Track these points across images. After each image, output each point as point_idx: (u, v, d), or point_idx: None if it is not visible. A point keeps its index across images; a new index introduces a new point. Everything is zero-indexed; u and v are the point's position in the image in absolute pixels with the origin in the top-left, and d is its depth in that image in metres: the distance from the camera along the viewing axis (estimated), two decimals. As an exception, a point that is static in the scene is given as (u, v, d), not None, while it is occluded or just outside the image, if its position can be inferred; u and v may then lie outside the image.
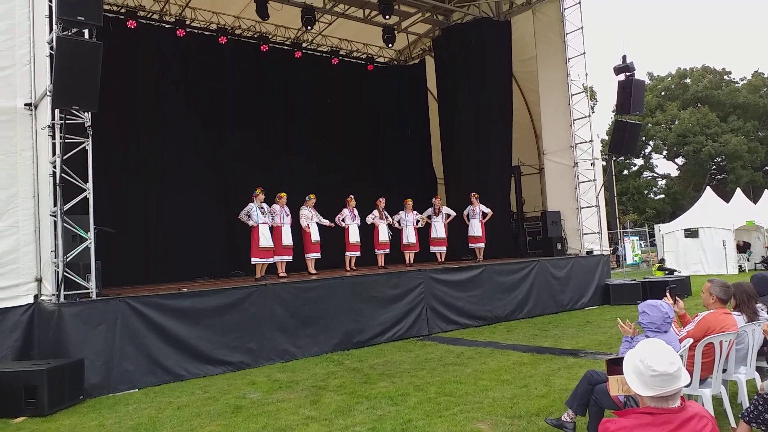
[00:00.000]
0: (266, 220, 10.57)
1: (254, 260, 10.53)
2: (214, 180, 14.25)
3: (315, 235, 11.47)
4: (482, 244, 13.65)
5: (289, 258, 11.10)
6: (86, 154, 7.75)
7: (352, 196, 12.45)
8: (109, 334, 7.48)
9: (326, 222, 11.70)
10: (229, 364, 8.35)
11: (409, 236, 12.98)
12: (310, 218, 11.43)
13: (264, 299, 8.91)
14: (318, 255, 11.57)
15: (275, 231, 10.86)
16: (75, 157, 7.65)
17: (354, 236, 12.22)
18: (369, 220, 12.52)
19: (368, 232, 12.77)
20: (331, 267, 12.72)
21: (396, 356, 8.80)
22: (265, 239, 10.50)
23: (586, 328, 10.65)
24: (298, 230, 11.46)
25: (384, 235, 12.60)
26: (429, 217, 13.42)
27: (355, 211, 12.34)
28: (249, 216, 10.44)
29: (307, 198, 11.59)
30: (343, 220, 12.15)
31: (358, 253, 12.28)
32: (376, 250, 12.65)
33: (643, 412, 2.31)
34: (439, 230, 13.41)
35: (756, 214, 22.89)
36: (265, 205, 10.67)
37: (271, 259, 10.68)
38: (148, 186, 12.97)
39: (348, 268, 12.13)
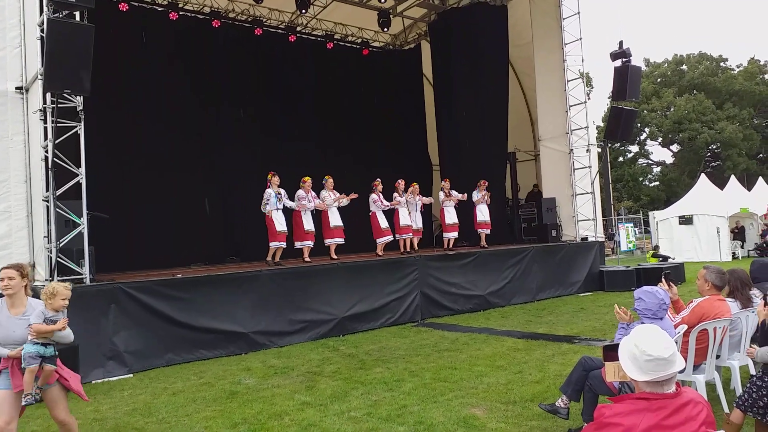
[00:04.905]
0: (280, 206, 10.29)
1: (272, 244, 10.27)
2: (208, 165, 14.17)
3: (334, 220, 11.08)
4: (489, 230, 13.43)
5: (311, 243, 10.74)
6: (78, 139, 7.68)
7: (379, 180, 11.99)
8: (103, 320, 7.46)
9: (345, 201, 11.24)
10: (224, 349, 8.35)
11: (416, 221, 12.52)
12: (332, 202, 11.06)
13: (259, 285, 8.90)
14: (341, 240, 11.14)
15: (295, 215, 10.61)
16: (67, 141, 7.59)
17: (383, 222, 11.80)
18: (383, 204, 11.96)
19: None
20: (358, 251, 12.52)
21: (391, 342, 8.82)
22: (279, 224, 10.24)
23: (581, 314, 10.69)
24: (317, 216, 11.15)
25: (406, 219, 12.11)
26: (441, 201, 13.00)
27: (381, 196, 11.86)
28: (267, 202, 10.19)
29: (324, 181, 11.19)
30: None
31: (390, 238, 11.84)
32: (398, 235, 12.09)
33: (638, 398, 2.31)
34: (452, 215, 12.98)
35: (750, 202, 22.97)
36: (282, 191, 10.40)
37: (283, 243, 10.37)
38: (142, 171, 12.87)
39: (380, 253, 11.70)
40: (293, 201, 10.60)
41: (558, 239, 14.40)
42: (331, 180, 11.22)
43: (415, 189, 12.56)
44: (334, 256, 10.91)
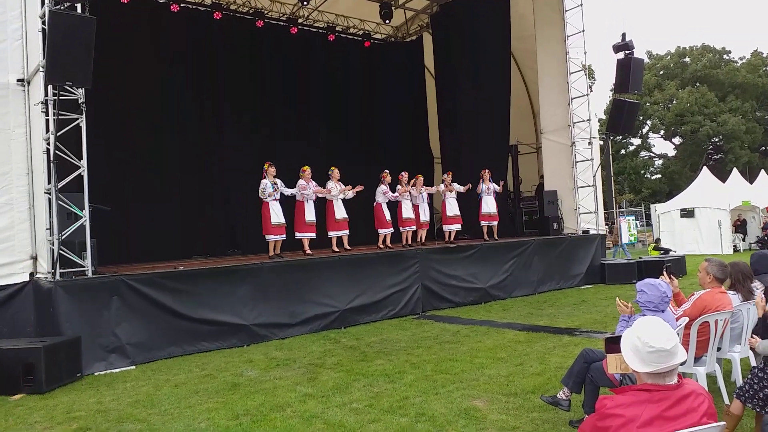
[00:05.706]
0: (277, 196, 10.03)
1: (268, 237, 10.04)
2: (209, 157, 14.16)
3: (340, 213, 10.94)
4: (496, 222, 13.30)
5: (312, 235, 10.63)
6: (80, 131, 7.67)
7: (387, 171, 11.87)
8: (105, 312, 7.48)
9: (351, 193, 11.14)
10: (226, 341, 8.38)
11: (425, 213, 12.40)
12: (338, 193, 10.90)
13: (260, 277, 8.92)
14: (346, 232, 11.03)
15: (298, 206, 10.51)
16: (69, 133, 7.58)
17: (388, 214, 11.69)
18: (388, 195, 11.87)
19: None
20: (359, 244, 12.37)
21: (392, 334, 8.84)
22: (276, 216, 9.97)
23: (582, 306, 10.70)
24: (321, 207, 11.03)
25: (409, 211, 12.00)
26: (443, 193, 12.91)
27: (388, 187, 11.76)
28: (265, 192, 9.92)
29: (330, 172, 11.08)
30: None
31: (392, 230, 11.77)
32: (401, 228, 12.02)
33: (640, 389, 2.31)
34: (454, 207, 12.88)
35: (752, 195, 22.94)
36: (278, 181, 10.11)
37: (283, 236, 10.14)
38: (143, 163, 12.88)
39: (382, 246, 11.60)
40: (292, 190, 10.41)
41: (559, 232, 14.39)
42: (337, 171, 11.13)
43: (419, 181, 12.42)
44: (336, 249, 10.82)
